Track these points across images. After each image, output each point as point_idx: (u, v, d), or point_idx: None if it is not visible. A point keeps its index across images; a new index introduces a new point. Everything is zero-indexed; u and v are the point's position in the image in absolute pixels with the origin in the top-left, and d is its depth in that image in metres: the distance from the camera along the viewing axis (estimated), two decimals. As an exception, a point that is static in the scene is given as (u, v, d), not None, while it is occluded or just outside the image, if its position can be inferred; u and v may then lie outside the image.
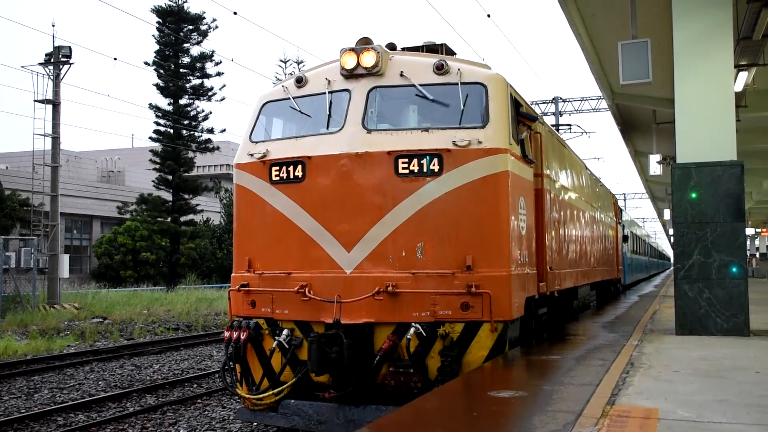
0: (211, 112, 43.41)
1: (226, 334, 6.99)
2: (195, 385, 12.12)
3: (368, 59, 6.80)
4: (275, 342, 6.74)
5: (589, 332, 9.42)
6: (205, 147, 39.74)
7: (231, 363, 7.00)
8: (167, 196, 39.40)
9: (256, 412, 6.84)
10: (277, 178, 6.92)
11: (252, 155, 7.13)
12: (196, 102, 39.73)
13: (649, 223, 76.54)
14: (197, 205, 40.60)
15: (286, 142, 7.09)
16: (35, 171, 28.30)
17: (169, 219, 39.07)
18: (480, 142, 6.43)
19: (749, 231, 46.18)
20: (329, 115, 6.93)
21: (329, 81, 7.02)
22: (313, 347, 6.23)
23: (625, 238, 22.01)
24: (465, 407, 4.93)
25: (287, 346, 6.69)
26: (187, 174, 39.34)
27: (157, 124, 38.86)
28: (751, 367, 6.23)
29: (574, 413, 4.39)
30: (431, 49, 7.60)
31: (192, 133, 39.40)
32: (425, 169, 6.44)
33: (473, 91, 6.71)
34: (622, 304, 15.58)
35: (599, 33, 14.16)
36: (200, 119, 39.71)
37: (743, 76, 11.87)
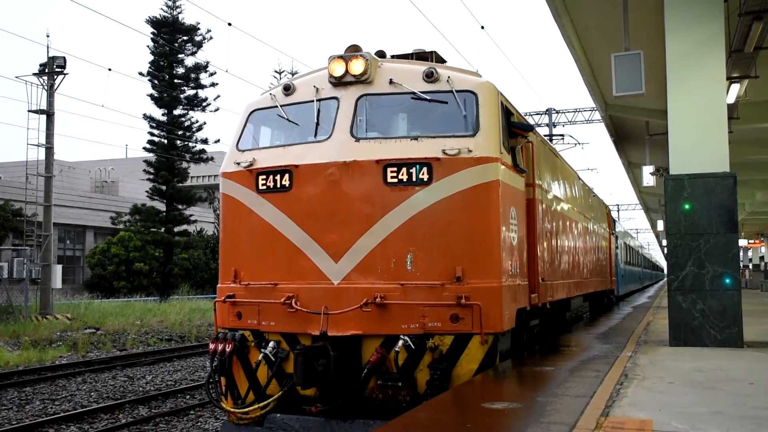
0: (205, 123, 43.36)
1: (212, 346, 6.87)
2: (188, 396, 12.06)
3: (357, 67, 6.73)
4: (261, 354, 6.62)
5: (582, 343, 9.37)
6: (199, 157, 39.63)
7: (216, 376, 6.88)
8: (161, 206, 39.26)
9: (241, 426, 6.70)
10: (264, 187, 6.82)
11: (239, 164, 7.03)
12: (191, 112, 39.68)
13: (643, 234, 76.77)
14: (191, 215, 40.46)
15: (273, 151, 7.01)
16: (29, 181, 28.18)
17: (162, 229, 38.92)
18: (470, 151, 6.36)
19: (742, 242, 46.26)
20: (317, 124, 6.85)
21: (317, 89, 6.95)
22: (299, 360, 6.12)
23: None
24: (458, 419, 4.87)
25: (273, 359, 6.57)
26: (180, 184, 39.22)
27: (151, 134, 38.79)
28: (745, 379, 6.21)
29: (569, 425, 4.36)
30: (421, 56, 7.52)
31: (186, 143, 39.33)
32: (414, 178, 6.35)
33: (463, 99, 6.65)
34: (616, 316, 15.52)
35: (592, 45, 14.19)
36: (194, 130, 39.65)
37: (735, 88, 11.90)
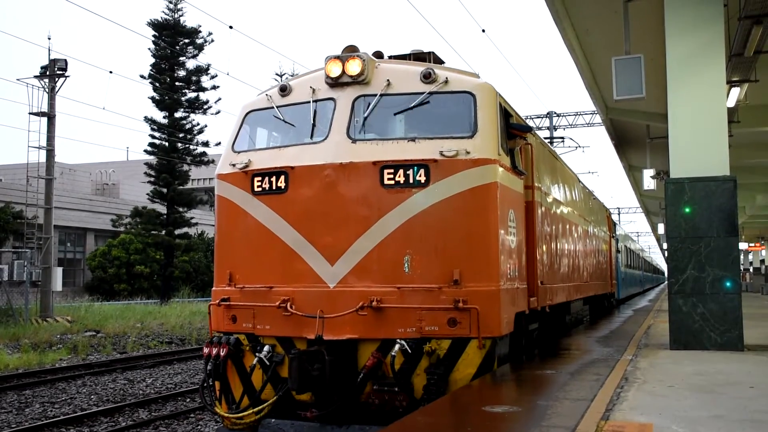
0: (206, 126, 43.25)
1: (206, 350, 6.80)
2: (188, 400, 12.03)
3: (354, 67, 6.67)
4: (256, 359, 6.55)
5: (583, 347, 9.33)
6: (200, 160, 39.64)
7: (210, 380, 6.81)
8: (162, 209, 39.26)
9: (235, 431, 6.63)
10: (260, 189, 6.75)
11: (234, 165, 6.97)
12: (192, 115, 39.70)
13: (643, 237, 76.65)
14: (192, 218, 40.45)
15: (269, 152, 6.94)
16: (29, 183, 28.15)
17: (163, 232, 38.90)
18: (468, 153, 6.29)
19: (742, 246, 46.18)
20: (313, 125, 6.78)
21: (314, 90, 6.89)
22: (293, 364, 6.04)
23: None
24: (457, 423, 4.84)
25: (268, 363, 6.50)
26: (181, 187, 39.21)
27: (152, 137, 38.81)
28: (746, 382, 6.19)
29: (569, 428, 4.34)
30: (419, 57, 7.45)
31: (187, 146, 39.33)
32: (411, 180, 6.29)
33: (461, 100, 6.59)
34: (616, 319, 15.47)
35: (593, 49, 14.17)
36: (195, 132, 39.65)
37: (735, 92, 11.90)
